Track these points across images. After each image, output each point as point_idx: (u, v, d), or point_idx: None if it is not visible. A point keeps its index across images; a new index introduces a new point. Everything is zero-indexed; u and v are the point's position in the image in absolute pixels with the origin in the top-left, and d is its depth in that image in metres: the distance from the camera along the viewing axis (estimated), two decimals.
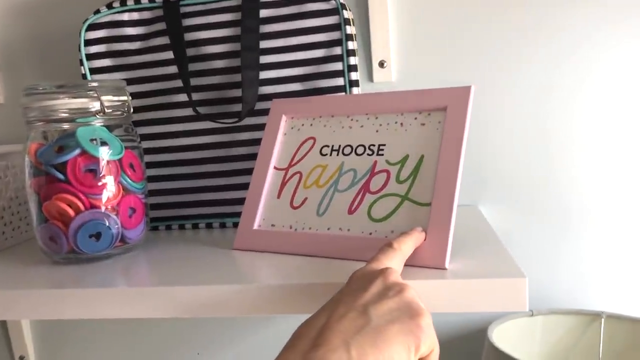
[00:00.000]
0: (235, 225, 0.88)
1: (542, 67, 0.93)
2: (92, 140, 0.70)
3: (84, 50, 0.87)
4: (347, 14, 0.81)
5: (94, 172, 0.70)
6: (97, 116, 0.71)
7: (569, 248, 0.97)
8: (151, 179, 0.88)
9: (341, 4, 0.81)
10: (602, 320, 0.92)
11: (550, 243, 0.98)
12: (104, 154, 0.70)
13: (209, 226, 0.89)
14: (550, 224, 0.97)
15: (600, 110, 0.93)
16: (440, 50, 0.95)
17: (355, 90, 0.82)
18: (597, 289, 0.98)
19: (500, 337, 0.89)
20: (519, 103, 0.95)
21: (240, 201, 0.86)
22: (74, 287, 0.64)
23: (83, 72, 0.87)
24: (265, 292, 0.60)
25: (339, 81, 0.82)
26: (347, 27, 0.81)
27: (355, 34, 0.83)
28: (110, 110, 0.72)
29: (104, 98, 0.71)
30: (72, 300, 0.64)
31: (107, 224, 0.71)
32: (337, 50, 0.82)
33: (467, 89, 0.67)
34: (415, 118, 0.70)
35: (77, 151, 0.69)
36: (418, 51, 0.95)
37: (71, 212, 0.69)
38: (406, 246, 0.59)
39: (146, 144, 0.88)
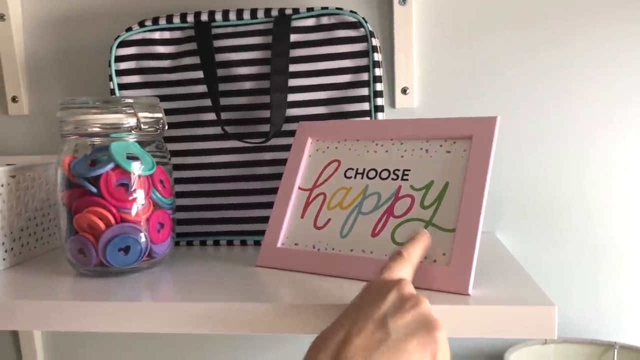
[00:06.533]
0: (256, 243, 0.88)
1: (562, 98, 0.95)
2: (125, 155, 0.71)
3: (114, 66, 0.87)
4: (375, 41, 0.83)
5: (126, 187, 0.71)
6: (132, 132, 0.72)
7: (583, 277, 0.98)
8: (176, 194, 0.88)
9: (370, 31, 0.82)
10: (615, 350, 0.92)
11: (564, 272, 0.98)
12: (136, 169, 0.71)
13: (229, 243, 0.89)
14: (565, 253, 0.98)
15: (618, 136, 0.95)
16: (462, 80, 0.97)
17: (380, 115, 0.84)
18: (611, 319, 0.98)
19: None
20: (538, 132, 0.96)
21: (262, 220, 0.87)
22: (102, 299, 0.65)
23: (112, 87, 0.87)
24: (288, 310, 0.61)
25: (365, 106, 0.84)
26: (375, 54, 0.82)
27: (381, 61, 0.84)
28: (146, 127, 0.73)
29: (140, 115, 0.72)
30: (97, 313, 0.64)
31: (136, 238, 0.71)
32: (364, 76, 0.83)
33: (493, 120, 0.68)
34: (441, 145, 0.71)
35: (111, 165, 0.70)
36: (441, 79, 0.97)
37: (102, 225, 0.70)
38: (415, 253, 0.60)
39: (173, 160, 0.88)
